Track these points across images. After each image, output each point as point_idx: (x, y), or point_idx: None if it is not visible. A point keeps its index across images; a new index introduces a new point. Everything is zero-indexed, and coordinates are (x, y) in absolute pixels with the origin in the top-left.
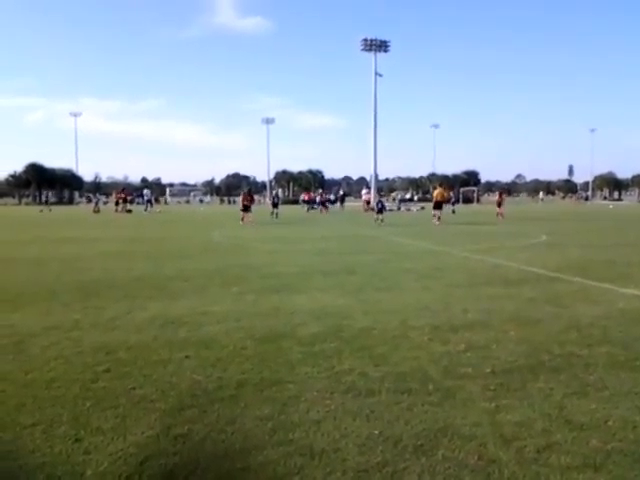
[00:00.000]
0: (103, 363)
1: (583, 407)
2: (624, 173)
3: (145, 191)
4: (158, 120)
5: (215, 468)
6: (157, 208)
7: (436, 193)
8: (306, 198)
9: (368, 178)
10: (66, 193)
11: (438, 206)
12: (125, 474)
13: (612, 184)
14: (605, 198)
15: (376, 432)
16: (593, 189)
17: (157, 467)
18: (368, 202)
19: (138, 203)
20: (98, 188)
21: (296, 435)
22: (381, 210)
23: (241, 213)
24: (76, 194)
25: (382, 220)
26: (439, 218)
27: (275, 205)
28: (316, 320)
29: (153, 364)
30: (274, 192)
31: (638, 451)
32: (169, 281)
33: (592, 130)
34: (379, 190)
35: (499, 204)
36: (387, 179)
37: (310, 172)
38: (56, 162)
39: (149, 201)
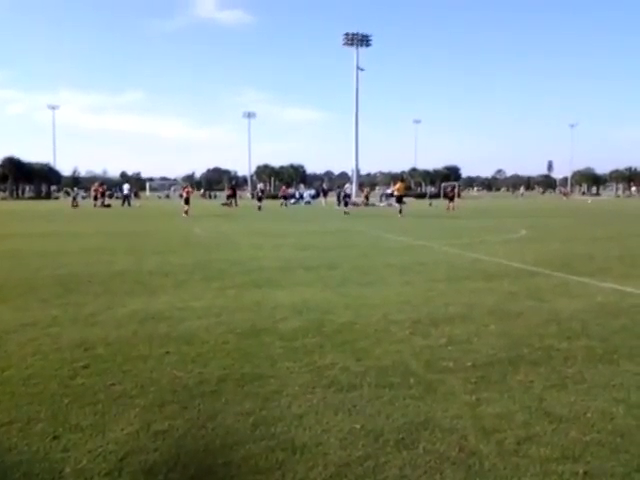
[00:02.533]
0: (82, 359)
1: (562, 399)
2: (602, 168)
3: (125, 186)
4: (138, 114)
5: (196, 464)
6: (137, 202)
7: (398, 187)
8: (281, 193)
9: (350, 173)
10: (44, 187)
11: (400, 200)
12: (104, 471)
13: (590, 179)
14: (584, 193)
15: (358, 426)
16: (572, 184)
17: (137, 464)
18: (367, 197)
19: (117, 197)
20: (76, 182)
21: (278, 430)
22: (347, 203)
23: (183, 205)
24: (53, 189)
25: (348, 213)
26: (400, 211)
27: (259, 199)
28: (298, 315)
29: (133, 360)
30: (258, 186)
31: (615, 442)
32: (150, 276)
33: (572, 126)
34: (361, 185)
35: (452, 198)
36: (369, 174)
37: (292, 167)
38: (34, 156)
39: (127, 197)
